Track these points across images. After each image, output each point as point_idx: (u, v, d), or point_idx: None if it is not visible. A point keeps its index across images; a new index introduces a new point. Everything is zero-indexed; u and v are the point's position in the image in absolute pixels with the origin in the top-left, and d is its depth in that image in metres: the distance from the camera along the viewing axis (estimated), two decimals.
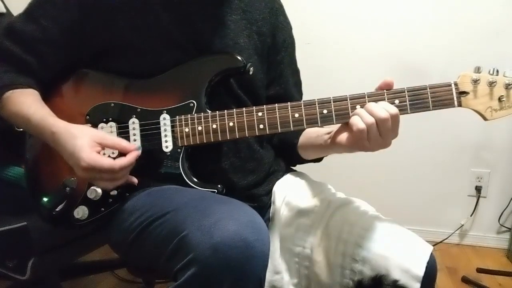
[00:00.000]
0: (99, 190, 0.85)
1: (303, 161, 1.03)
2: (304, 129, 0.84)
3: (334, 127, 0.85)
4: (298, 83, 1.09)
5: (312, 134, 0.96)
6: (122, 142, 0.83)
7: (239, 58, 0.88)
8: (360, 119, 0.77)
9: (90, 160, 0.76)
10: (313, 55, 2.00)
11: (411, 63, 2.00)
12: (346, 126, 0.81)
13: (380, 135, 0.77)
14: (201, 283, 0.66)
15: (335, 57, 2.07)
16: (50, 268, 1.27)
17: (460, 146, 2.06)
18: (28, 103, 0.86)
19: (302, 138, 0.99)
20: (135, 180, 0.86)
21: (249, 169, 0.96)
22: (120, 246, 0.88)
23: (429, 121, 1.94)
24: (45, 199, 0.90)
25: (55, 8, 0.88)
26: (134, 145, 0.84)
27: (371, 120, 0.76)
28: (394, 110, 0.77)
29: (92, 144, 0.79)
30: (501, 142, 2.02)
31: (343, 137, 0.82)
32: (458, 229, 2.13)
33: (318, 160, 1.02)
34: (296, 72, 1.09)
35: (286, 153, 1.05)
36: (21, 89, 0.88)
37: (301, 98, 1.08)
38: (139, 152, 0.83)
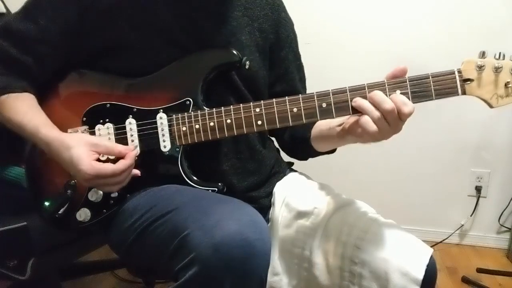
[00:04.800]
0: (100, 192, 0.85)
1: (318, 154, 1.01)
2: (303, 123, 0.82)
3: (346, 118, 0.84)
4: (303, 79, 1.08)
5: (323, 127, 0.94)
6: (116, 147, 0.81)
7: (234, 52, 0.87)
8: (370, 121, 0.75)
9: (92, 170, 0.76)
10: (313, 55, 1.98)
11: (410, 62, 1.97)
12: (357, 118, 0.79)
13: (389, 125, 0.75)
14: (202, 283, 0.66)
15: (335, 57, 2.07)
16: (50, 268, 1.27)
17: (460, 146, 2.05)
18: (23, 110, 0.84)
19: (314, 131, 0.97)
20: (137, 172, 0.84)
21: (250, 170, 0.95)
22: (120, 247, 0.88)
23: (429, 121, 1.94)
24: (47, 203, 0.89)
25: (53, 7, 0.86)
26: (129, 147, 0.83)
27: (381, 121, 0.75)
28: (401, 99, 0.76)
29: (88, 154, 0.78)
30: (501, 142, 2.02)
31: (354, 129, 0.80)
32: (458, 229, 2.13)
33: (332, 151, 1.00)
34: (301, 67, 1.07)
35: (299, 148, 1.03)
36: (16, 93, 0.86)
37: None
38: (137, 151, 0.83)
